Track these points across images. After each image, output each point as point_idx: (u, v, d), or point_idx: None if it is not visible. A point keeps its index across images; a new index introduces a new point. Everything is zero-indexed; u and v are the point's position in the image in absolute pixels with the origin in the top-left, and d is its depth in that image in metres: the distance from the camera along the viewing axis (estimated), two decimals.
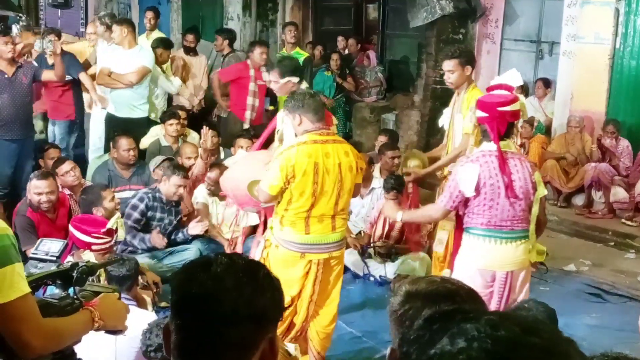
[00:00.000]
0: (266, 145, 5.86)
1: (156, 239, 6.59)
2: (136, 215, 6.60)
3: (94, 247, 5.08)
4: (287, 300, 4.68)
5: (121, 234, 5.98)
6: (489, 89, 4.92)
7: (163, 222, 6.72)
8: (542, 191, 4.76)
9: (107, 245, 5.21)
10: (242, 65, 9.35)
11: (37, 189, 6.16)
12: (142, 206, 6.61)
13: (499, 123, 4.60)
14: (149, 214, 6.66)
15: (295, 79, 5.48)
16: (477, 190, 4.54)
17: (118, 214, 5.88)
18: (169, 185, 6.64)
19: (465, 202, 4.64)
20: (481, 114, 4.62)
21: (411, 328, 1.70)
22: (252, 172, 5.17)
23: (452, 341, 1.13)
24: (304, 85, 5.63)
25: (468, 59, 5.93)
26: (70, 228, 5.16)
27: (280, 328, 4.77)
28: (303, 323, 5.00)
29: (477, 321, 1.15)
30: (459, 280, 2.13)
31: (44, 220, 6.22)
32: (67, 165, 6.97)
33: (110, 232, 5.25)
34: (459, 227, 4.91)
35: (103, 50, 8.86)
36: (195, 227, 6.71)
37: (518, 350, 1.10)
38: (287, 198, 4.78)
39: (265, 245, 5.03)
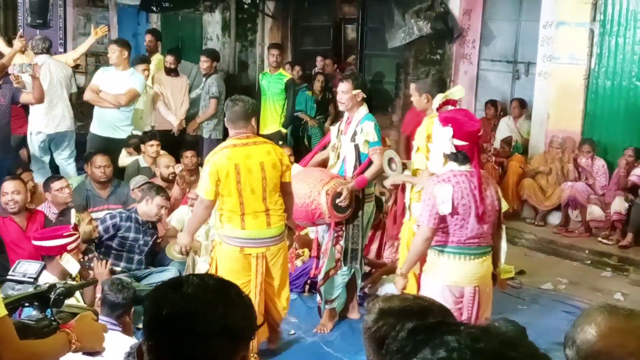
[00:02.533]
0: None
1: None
2: (100, 227, 6.54)
3: (69, 247, 5.08)
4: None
5: (82, 227, 6.02)
6: (439, 107, 5.07)
7: (138, 243, 6.67)
8: (505, 206, 4.93)
9: (78, 241, 5.26)
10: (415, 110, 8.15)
11: (4, 189, 6.20)
12: (109, 222, 6.57)
13: (477, 147, 4.78)
14: (124, 234, 6.59)
15: (363, 95, 6.00)
16: (452, 210, 4.61)
17: (74, 210, 5.86)
18: (152, 206, 6.63)
19: (442, 219, 4.70)
20: (460, 142, 4.65)
21: (383, 343, 1.73)
22: (307, 189, 5.82)
23: (433, 351, 1.17)
24: (365, 107, 6.05)
25: (423, 86, 5.70)
26: (38, 243, 5.13)
27: None
28: (260, 313, 5.41)
29: (458, 333, 1.19)
30: (430, 297, 2.17)
31: (12, 226, 6.16)
32: (59, 183, 6.96)
33: (76, 227, 5.40)
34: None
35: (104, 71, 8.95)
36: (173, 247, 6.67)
37: None
38: (220, 200, 5.31)
39: (213, 245, 5.58)
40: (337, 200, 5.83)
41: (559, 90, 9.26)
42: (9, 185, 6.21)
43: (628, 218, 8.37)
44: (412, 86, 5.77)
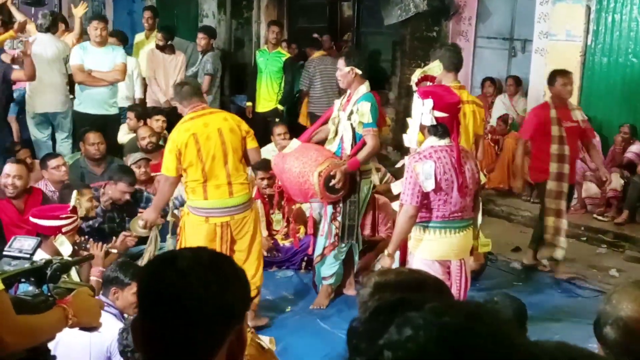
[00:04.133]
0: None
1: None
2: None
3: (64, 229, 5.07)
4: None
5: (82, 211, 6.01)
6: (418, 82, 5.10)
7: (115, 223, 6.65)
8: (482, 179, 5.00)
9: (75, 224, 5.26)
10: (540, 108, 7.14)
11: (5, 171, 6.19)
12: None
13: (457, 120, 4.81)
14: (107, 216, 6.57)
15: (359, 71, 5.98)
16: (435, 185, 4.63)
17: (75, 192, 5.86)
18: (115, 191, 6.57)
19: (425, 196, 4.71)
20: (441, 114, 4.66)
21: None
22: (302, 168, 5.89)
23: (399, 330, 1.16)
24: (366, 85, 6.04)
25: (438, 57, 5.83)
26: (34, 220, 5.13)
27: None
28: None
29: (422, 309, 1.19)
30: (426, 271, 2.18)
31: (9, 208, 6.16)
32: (56, 161, 6.94)
33: (75, 210, 5.33)
34: None
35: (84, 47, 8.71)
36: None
37: (463, 336, 1.14)
38: (184, 173, 5.50)
39: (181, 215, 5.76)
40: (330, 183, 5.86)
41: (555, 67, 9.21)
42: (12, 168, 6.18)
43: (624, 195, 8.39)
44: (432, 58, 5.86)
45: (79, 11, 9.49)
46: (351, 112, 5.98)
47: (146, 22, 10.48)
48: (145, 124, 8.40)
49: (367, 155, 6.00)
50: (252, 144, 5.67)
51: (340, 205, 6.11)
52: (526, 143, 7.09)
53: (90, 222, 6.44)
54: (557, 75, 6.95)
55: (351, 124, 5.98)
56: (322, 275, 6.27)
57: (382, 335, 1.18)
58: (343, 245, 6.19)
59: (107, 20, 8.94)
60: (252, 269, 5.66)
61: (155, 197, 5.94)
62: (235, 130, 5.55)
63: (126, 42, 9.72)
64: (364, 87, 6.03)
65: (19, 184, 6.15)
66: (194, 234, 5.57)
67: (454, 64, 6.04)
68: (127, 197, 6.60)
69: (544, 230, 6.82)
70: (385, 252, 5.00)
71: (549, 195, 6.81)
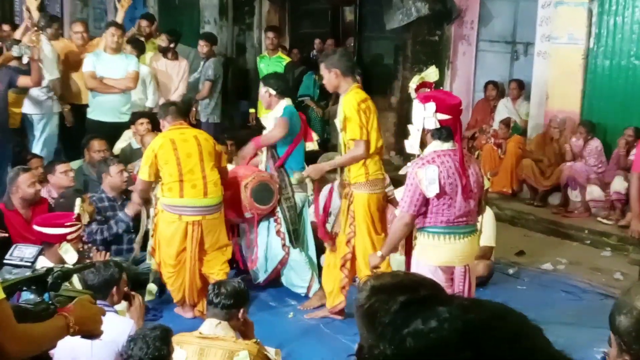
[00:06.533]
0: None
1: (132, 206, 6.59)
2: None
3: (69, 237, 5.08)
4: (170, 255, 5.81)
5: (85, 218, 6.02)
6: (417, 88, 5.09)
7: (122, 221, 6.67)
8: (487, 184, 4.98)
9: (79, 231, 5.28)
10: None
11: (28, 181, 6.12)
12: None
13: (460, 123, 4.78)
14: (107, 214, 6.60)
15: (272, 92, 6.26)
16: (440, 190, 4.61)
17: (79, 198, 5.86)
18: (114, 177, 6.63)
19: (425, 203, 4.69)
20: (444, 116, 4.65)
21: (375, 318, 1.72)
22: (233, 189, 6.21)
23: (425, 321, 1.21)
24: (287, 101, 6.30)
25: (332, 61, 5.72)
26: (39, 228, 5.13)
27: (174, 285, 5.99)
28: (191, 276, 5.95)
29: (450, 305, 1.24)
30: (422, 274, 2.17)
31: (17, 218, 6.13)
32: (64, 166, 6.95)
33: (79, 218, 5.36)
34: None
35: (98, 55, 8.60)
36: (130, 207, 6.59)
37: (486, 332, 1.17)
38: (161, 172, 5.84)
39: (155, 213, 6.05)
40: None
41: (557, 71, 9.24)
42: (30, 176, 6.16)
43: (627, 198, 8.36)
44: (322, 66, 5.78)
45: (124, 5, 9.28)
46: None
47: (143, 31, 10.42)
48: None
49: (269, 137, 6.29)
50: (223, 162, 6.11)
51: (279, 214, 6.30)
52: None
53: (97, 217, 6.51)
54: None
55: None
56: (297, 284, 6.42)
57: (408, 325, 1.22)
58: (298, 251, 6.41)
59: (124, 27, 8.86)
60: (221, 272, 5.96)
61: (132, 195, 6.45)
62: (209, 141, 5.98)
63: (143, 51, 9.58)
64: (284, 102, 6.29)
65: (38, 188, 6.20)
66: (167, 231, 5.90)
67: (350, 68, 5.85)
68: (125, 175, 6.74)
69: None
70: (378, 252, 5.01)
71: None
